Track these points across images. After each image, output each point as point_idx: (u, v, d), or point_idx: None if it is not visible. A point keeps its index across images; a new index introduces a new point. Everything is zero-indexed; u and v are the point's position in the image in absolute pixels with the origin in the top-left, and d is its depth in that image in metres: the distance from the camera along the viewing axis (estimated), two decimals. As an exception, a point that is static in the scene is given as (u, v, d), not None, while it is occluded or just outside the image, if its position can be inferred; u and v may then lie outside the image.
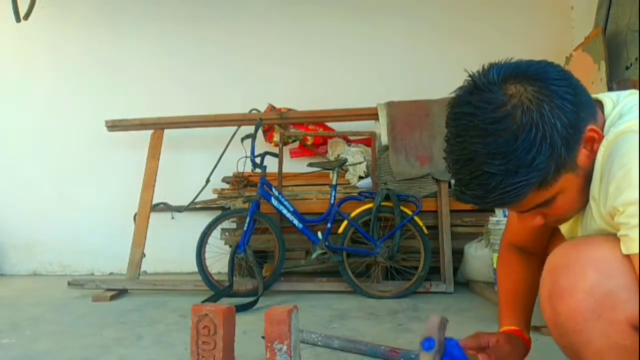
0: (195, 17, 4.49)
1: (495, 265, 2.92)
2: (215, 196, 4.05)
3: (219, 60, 4.44)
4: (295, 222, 3.32)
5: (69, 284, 3.49)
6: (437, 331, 1.20)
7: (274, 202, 3.35)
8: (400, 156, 3.61)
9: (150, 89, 4.41)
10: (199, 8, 4.49)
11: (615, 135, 0.99)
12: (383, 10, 4.37)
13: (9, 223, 4.48)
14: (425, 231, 3.26)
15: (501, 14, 4.26)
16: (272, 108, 4.05)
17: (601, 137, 1.01)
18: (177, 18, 4.50)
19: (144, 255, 3.62)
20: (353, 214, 3.29)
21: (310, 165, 3.50)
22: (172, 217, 4.32)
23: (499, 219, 2.98)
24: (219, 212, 3.69)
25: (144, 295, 3.44)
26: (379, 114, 3.71)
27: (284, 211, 3.34)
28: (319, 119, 3.98)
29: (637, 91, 1.09)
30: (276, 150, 3.76)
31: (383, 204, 3.26)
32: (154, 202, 3.84)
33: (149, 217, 3.69)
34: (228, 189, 3.97)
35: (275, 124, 3.98)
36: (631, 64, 2.93)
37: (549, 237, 1.36)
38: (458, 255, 3.42)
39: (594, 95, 1.07)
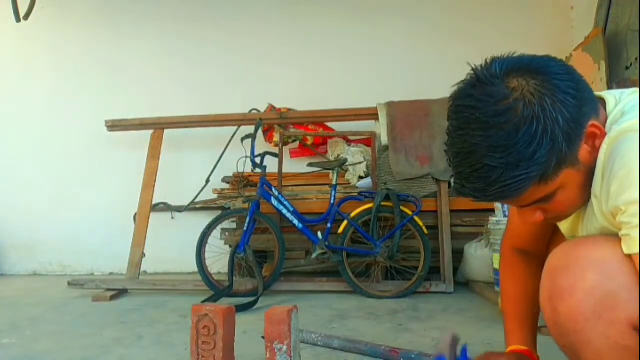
0: (195, 17, 4.49)
1: (495, 265, 2.92)
2: (215, 196, 4.05)
3: (219, 60, 4.44)
4: (295, 222, 3.32)
5: (69, 284, 3.49)
6: (449, 349, 1.19)
7: (274, 202, 3.35)
8: (400, 156, 3.61)
9: (150, 89, 4.41)
10: (199, 8, 4.49)
11: (618, 134, 0.99)
12: (383, 10, 4.37)
13: (9, 223, 4.48)
14: (425, 231, 3.26)
15: (501, 14, 4.26)
16: (272, 108, 4.05)
17: (603, 133, 1.01)
18: (177, 18, 4.51)
19: (144, 255, 3.62)
20: (353, 214, 3.29)
21: (310, 165, 3.50)
22: (172, 217, 4.32)
23: (499, 219, 2.97)
24: (219, 212, 3.69)
25: (144, 295, 3.44)
26: (379, 114, 3.71)
27: (284, 211, 3.34)
28: (319, 119, 3.98)
29: (639, 89, 1.09)
30: (276, 150, 3.76)
31: (383, 204, 3.26)
32: (154, 202, 3.84)
33: (149, 217, 3.69)
34: (228, 189, 3.97)
35: (275, 124, 3.98)
36: (631, 64, 2.93)
37: (550, 238, 1.35)
38: (458, 255, 3.42)
39: (596, 93, 1.07)
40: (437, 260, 3.40)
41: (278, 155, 3.63)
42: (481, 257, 3.18)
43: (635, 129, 0.97)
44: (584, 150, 1.00)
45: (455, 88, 1.03)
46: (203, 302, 2.89)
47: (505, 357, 1.29)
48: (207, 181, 3.98)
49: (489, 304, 2.88)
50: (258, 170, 3.41)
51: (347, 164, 3.60)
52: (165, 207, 4.27)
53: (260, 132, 3.64)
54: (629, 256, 0.97)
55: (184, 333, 2.23)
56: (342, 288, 3.32)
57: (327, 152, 4.03)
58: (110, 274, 4.34)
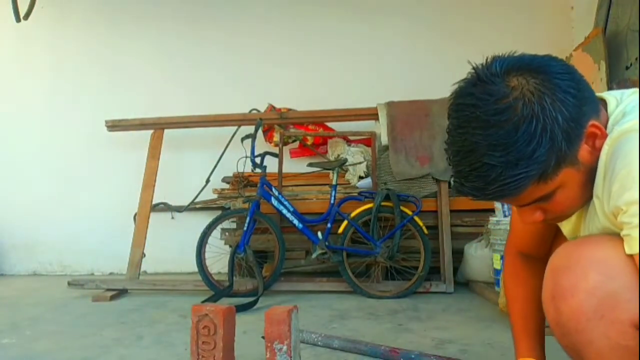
0: (195, 17, 4.49)
1: (495, 265, 2.92)
2: (215, 196, 4.05)
3: (219, 60, 4.45)
4: (295, 222, 3.32)
5: (69, 284, 3.49)
6: None
7: (274, 202, 3.34)
8: (400, 156, 3.61)
9: (150, 89, 4.41)
10: (199, 8, 4.49)
11: (619, 134, 0.99)
12: (383, 10, 4.37)
13: (9, 223, 4.48)
14: (425, 231, 3.26)
15: (501, 14, 4.26)
16: (272, 108, 4.05)
17: (603, 134, 1.01)
18: (177, 18, 4.51)
19: (144, 255, 3.62)
20: (353, 214, 3.29)
21: (310, 165, 3.50)
22: (172, 217, 4.32)
23: (499, 219, 2.97)
24: (219, 212, 3.69)
25: (144, 295, 3.44)
26: (379, 114, 3.71)
27: (284, 211, 3.34)
28: (319, 119, 3.98)
29: (639, 90, 1.08)
30: (276, 150, 3.76)
31: (383, 204, 3.26)
32: (154, 202, 3.84)
33: (149, 217, 3.69)
34: (228, 189, 3.97)
35: (275, 124, 3.98)
36: (631, 64, 2.93)
37: (553, 241, 1.35)
38: (458, 255, 3.42)
39: (597, 94, 1.07)
40: (437, 260, 3.39)
41: (278, 155, 3.63)
42: (481, 257, 3.18)
43: (636, 129, 0.97)
44: (583, 150, 1.00)
45: (456, 86, 1.03)
46: (203, 302, 2.89)
47: None
48: (207, 181, 3.98)
49: (489, 304, 2.88)
50: (258, 170, 3.41)
51: (347, 164, 3.60)
52: (165, 207, 4.27)
53: (260, 132, 3.64)
54: (631, 256, 0.96)
55: (184, 333, 2.23)
56: (342, 288, 3.32)
57: (327, 152, 4.03)
58: (110, 274, 4.34)
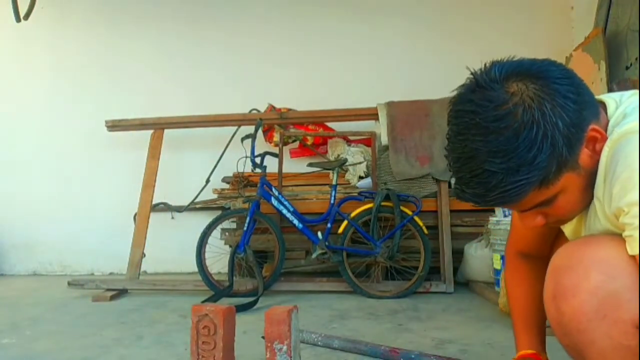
0: (195, 17, 4.49)
1: (495, 265, 2.92)
2: (215, 196, 4.05)
3: (219, 60, 4.44)
4: (295, 222, 3.32)
5: (69, 284, 3.49)
6: None
7: (274, 202, 3.34)
8: (400, 156, 3.61)
9: (150, 89, 4.41)
10: (199, 8, 4.49)
11: (620, 136, 0.99)
12: (383, 10, 4.37)
13: (9, 223, 4.48)
14: (425, 231, 3.26)
15: (501, 14, 4.27)
16: (272, 108, 4.05)
17: (604, 137, 1.00)
18: (177, 18, 4.51)
19: (144, 255, 3.62)
20: (353, 214, 3.29)
21: (310, 165, 3.50)
22: (172, 217, 4.32)
23: (499, 219, 2.98)
24: (219, 212, 3.69)
25: (144, 295, 3.44)
26: (379, 114, 3.71)
27: (284, 211, 3.34)
28: (319, 119, 3.98)
29: (639, 90, 1.09)
30: (276, 150, 3.76)
31: (383, 204, 3.26)
32: (154, 202, 3.83)
33: (149, 217, 3.69)
34: (228, 189, 3.97)
35: (275, 124, 3.98)
36: (631, 64, 2.93)
37: (554, 240, 1.35)
38: (458, 255, 3.42)
39: (597, 96, 1.07)
40: (437, 260, 3.39)
41: (278, 155, 3.63)
42: (481, 257, 3.18)
43: (636, 130, 0.97)
44: (584, 154, 1.00)
45: (455, 93, 1.03)
46: (203, 302, 2.89)
47: None
48: (207, 181, 3.98)
49: (489, 304, 2.88)
50: (258, 170, 3.41)
51: (347, 164, 3.60)
52: (165, 207, 4.27)
53: (260, 132, 3.64)
54: (633, 257, 0.97)
55: (184, 333, 2.23)
56: (342, 288, 3.32)
57: (327, 152, 4.03)
58: (110, 274, 4.34)
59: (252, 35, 4.43)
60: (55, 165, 4.48)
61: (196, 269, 3.36)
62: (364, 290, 3.23)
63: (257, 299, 3.00)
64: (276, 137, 3.99)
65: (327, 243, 3.27)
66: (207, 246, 3.37)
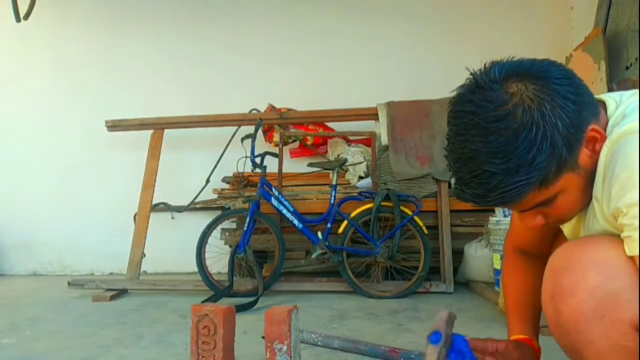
0: (195, 17, 4.49)
1: (495, 265, 2.92)
2: (215, 196, 4.05)
3: (219, 60, 4.44)
4: (295, 222, 3.32)
5: (69, 284, 3.49)
6: (444, 325, 1.20)
7: (274, 202, 3.34)
8: (400, 156, 3.61)
9: (150, 89, 4.41)
10: (199, 8, 4.49)
11: (619, 136, 0.99)
12: (383, 10, 4.37)
13: (9, 223, 4.48)
14: (425, 231, 3.26)
15: (501, 14, 4.27)
16: (272, 108, 4.05)
17: (603, 137, 1.00)
18: (177, 18, 4.51)
19: (144, 255, 3.62)
20: (353, 214, 3.29)
21: (310, 165, 3.50)
22: (172, 217, 4.32)
23: (499, 219, 2.98)
24: (219, 212, 3.69)
25: (144, 295, 3.44)
26: (379, 114, 3.71)
27: (284, 211, 3.34)
28: (319, 119, 3.98)
29: (639, 90, 1.09)
30: (276, 150, 3.76)
31: (383, 204, 3.26)
32: (154, 202, 3.83)
33: (149, 217, 3.69)
34: (228, 189, 3.97)
35: (275, 124, 3.98)
36: (631, 64, 2.93)
37: (553, 239, 1.35)
38: (458, 255, 3.42)
39: (596, 96, 1.07)
40: (437, 260, 3.39)
41: (278, 155, 3.63)
42: (481, 257, 3.18)
43: (635, 130, 0.97)
44: (584, 155, 1.00)
45: (455, 93, 1.03)
46: (203, 302, 2.89)
47: (504, 343, 1.29)
48: (207, 181, 3.98)
49: (489, 304, 2.88)
50: (258, 170, 3.41)
51: (347, 164, 3.60)
52: (165, 207, 4.27)
53: (260, 132, 3.64)
54: (632, 257, 0.96)
55: (184, 333, 2.23)
56: (342, 288, 3.32)
57: (327, 152, 4.03)
58: (110, 274, 4.34)
59: (252, 35, 4.43)
60: (55, 165, 4.48)
61: (196, 269, 3.36)
62: (364, 290, 3.23)
63: (257, 299, 3.00)
64: (276, 137, 3.99)
65: (327, 243, 3.27)
66: (207, 246, 3.37)
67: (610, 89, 2.80)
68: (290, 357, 1.50)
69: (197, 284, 3.41)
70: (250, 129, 3.59)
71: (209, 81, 4.40)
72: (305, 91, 4.20)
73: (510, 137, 0.94)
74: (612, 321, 0.96)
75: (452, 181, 3.35)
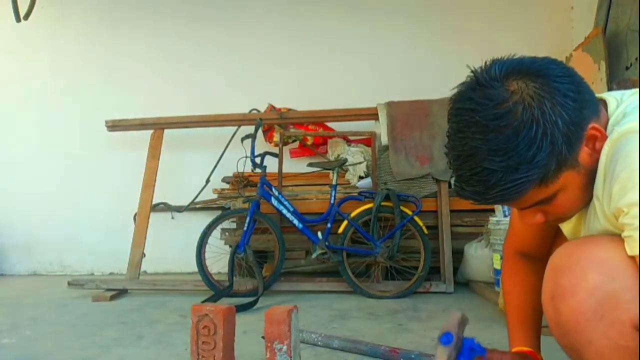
0: (195, 17, 4.49)
1: (495, 266, 2.92)
2: (215, 196, 4.05)
3: (219, 60, 4.45)
4: (295, 222, 3.32)
5: (69, 284, 3.49)
6: (457, 327, 1.18)
7: (274, 202, 3.34)
8: (400, 156, 3.61)
9: (150, 89, 4.41)
10: (199, 8, 4.49)
11: (620, 135, 0.98)
12: (383, 10, 4.37)
13: (9, 223, 4.48)
14: (425, 231, 3.26)
15: (501, 14, 4.27)
16: (272, 108, 4.05)
17: (603, 136, 1.00)
18: (177, 18, 4.51)
19: (144, 255, 3.62)
20: (353, 214, 3.28)
21: (310, 165, 3.50)
22: (172, 217, 4.32)
23: (499, 219, 2.97)
24: (219, 212, 3.69)
25: (144, 295, 3.44)
26: (379, 114, 3.71)
27: (284, 211, 3.34)
28: (319, 119, 3.98)
29: (639, 90, 1.08)
30: (276, 150, 3.76)
31: (383, 204, 3.26)
32: (154, 202, 3.83)
33: (149, 217, 3.69)
34: (228, 189, 3.97)
35: (275, 124, 3.98)
36: (631, 64, 2.93)
37: (553, 240, 1.35)
38: (458, 255, 3.42)
39: (597, 95, 1.07)
40: (437, 260, 3.39)
41: (278, 155, 3.63)
42: (481, 257, 3.18)
43: (636, 130, 0.97)
44: (584, 153, 1.00)
45: (455, 91, 1.03)
46: (203, 302, 2.89)
47: (510, 356, 1.28)
48: (207, 181, 3.98)
49: (489, 304, 2.88)
50: (258, 170, 3.41)
51: (347, 164, 3.60)
52: (165, 207, 4.27)
53: (260, 132, 3.64)
54: (632, 257, 0.96)
55: (184, 333, 2.23)
56: (342, 288, 3.32)
57: (327, 152, 4.03)
58: (110, 274, 4.34)
59: (252, 35, 4.43)
60: (55, 165, 4.48)
61: (196, 269, 3.36)
62: (364, 290, 3.23)
63: (257, 299, 3.00)
64: (276, 137, 3.99)
65: (327, 243, 3.27)
66: (207, 246, 3.37)
67: (610, 89, 2.80)
68: (290, 357, 1.50)
69: (197, 284, 3.41)
70: (250, 129, 3.59)
71: (209, 81, 4.40)
72: (305, 91, 4.21)
73: (511, 134, 0.94)
74: (612, 321, 0.96)
75: (452, 181, 3.35)
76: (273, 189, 3.39)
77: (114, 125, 3.95)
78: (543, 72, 0.98)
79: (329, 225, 3.31)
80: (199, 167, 4.09)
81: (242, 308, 2.81)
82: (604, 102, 1.07)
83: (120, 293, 3.45)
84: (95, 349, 2.23)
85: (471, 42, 4.07)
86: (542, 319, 1.29)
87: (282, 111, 3.95)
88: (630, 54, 2.95)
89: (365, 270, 3.39)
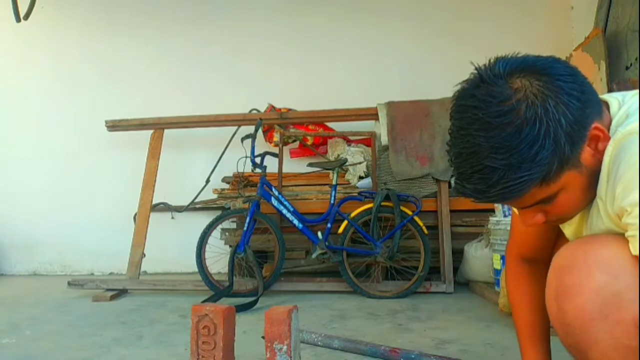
0: (195, 17, 4.49)
1: (495, 266, 2.92)
2: (215, 196, 4.05)
3: (219, 60, 4.45)
4: (295, 222, 3.32)
5: (69, 284, 3.49)
6: None
7: (274, 202, 3.34)
8: (400, 156, 3.61)
9: (150, 89, 4.41)
10: (199, 8, 4.49)
11: (623, 135, 0.98)
12: (383, 10, 4.37)
13: (9, 223, 4.48)
14: (425, 231, 3.26)
15: (501, 14, 4.27)
16: (272, 108, 4.05)
17: (606, 136, 1.00)
18: (177, 18, 4.51)
19: (144, 255, 3.62)
20: (353, 214, 3.29)
21: (310, 165, 3.50)
22: (172, 217, 4.32)
23: (499, 219, 2.98)
24: (219, 212, 3.69)
25: (144, 295, 3.44)
26: (379, 114, 3.71)
27: (284, 211, 3.34)
28: (319, 119, 3.98)
29: (639, 91, 1.08)
30: (276, 150, 3.76)
31: (383, 204, 3.26)
32: (154, 202, 3.83)
33: (149, 217, 3.69)
34: (228, 189, 3.97)
35: (275, 124, 3.98)
36: (631, 64, 2.93)
37: (555, 242, 1.34)
38: (458, 255, 3.42)
39: (599, 96, 1.06)
40: (437, 260, 3.40)
41: (278, 155, 3.63)
42: (481, 257, 3.18)
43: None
44: (586, 153, 0.99)
45: (458, 87, 1.02)
46: (203, 302, 2.89)
47: None
48: (207, 181, 3.98)
49: (489, 304, 2.88)
50: (258, 170, 3.41)
51: (347, 164, 3.59)
52: (165, 207, 4.27)
53: (260, 132, 3.64)
54: (636, 257, 0.96)
55: (184, 333, 2.23)
56: (342, 288, 3.32)
57: (327, 152, 4.03)
58: (110, 274, 4.34)
59: (252, 35, 4.43)
60: (55, 165, 4.48)
61: (196, 269, 3.36)
62: (364, 290, 3.23)
63: (257, 299, 3.00)
64: (276, 137, 3.99)
65: (327, 243, 3.27)
66: (207, 246, 3.37)
67: (610, 89, 2.80)
68: (290, 357, 1.50)
69: (197, 284, 3.41)
70: (250, 129, 3.58)
71: (209, 81, 4.40)
72: (305, 91, 4.21)
73: (513, 132, 0.93)
74: (617, 321, 0.96)
75: (453, 181, 3.35)
76: (273, 189, 3.39)
77: (114, 125, 3.95)
78: (547, 70, 0.98)
79: (329, 225, 3.31)
80: (199, 167, 4.09)
81: (242, 308, 2.81)
82: (605, 103, 1.07)
83: (120, 293, 3.44)
84: (95, 349, 2.23)
85: (471, 42, 4.07)
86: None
87: (282, 111, 3.95)
88: (630, 54, 2.95)
89: (365, 270, 3.39)
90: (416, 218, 3.23)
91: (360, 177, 3.75)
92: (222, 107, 3.93)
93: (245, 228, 3.27)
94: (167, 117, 3.93)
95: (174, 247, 4.15)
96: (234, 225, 3.80)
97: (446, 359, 1.89)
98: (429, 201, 3.48)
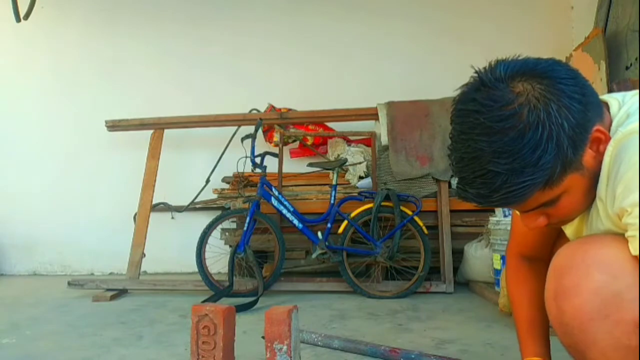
0: (195, 17, 4.49)
1: (495, 265, 2.92)
2: (215, 196, 4.05)
3: (219, 60, 4.45)
4: (295, 222, 3.32)
5: (69, 284, 3.49)
6: None
7: (274, 202, 3.34)
8: (400, 156, 3.61)
9: (150, 89, 4.41)
10: (199, 8, 4.49)
11: (623, 136, 0.98)
12: (383, 10, 4.37)
13: (9, 223, 4.48)
14: (425, 231, 3.26)
15: (501, 14, 4.27)
16: (272, 108, 4.05)
17: (607, 138, 1.00)
18: (177, 18, 4.51)
19: (144, 255, 3.61)
20: (353, 214, 3.29)
21: (310, 165, 3.50)
22: (172, 217, 4.32)
23: (499, 219, 2.98)
24: (219, 212, 3.69)
25: (144, 295, 3.44)
26: (379, 114, 3.71)
27: (284, 211, 3.34)
28: (319, 119, 3.98)
29: (639, 92, 1.08)
30: (276, 150, 3.76)
31: (383, 204, 3.26)
32: (154, 202, 3.83)
33: (149, 217, 3.69)
34: (228, 189, 3.97)
35: (275, 124, 3.98)
36: (631, 64, 2.93)
37: (555, 241, 1.34)
38: (458, 255, 3.42)
39: (599, 97, 1.06)
40: (437, 260, 3.40)
41: (278, 155, 3.63)
42: (481, 257, 3.18)
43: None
44: (588, 155, 0.99)
45: (459, 91, 1.01)
46: (203, 302, 2.89)
47: None
48: (207, 181, 3.98)
49: (489, 304, 2.88)
50: (258, 170, 3.41)
51: (347, 164, 3.59)
52: (165, 207, 4.27)
53: (260, 132, 3.64)
54: (636, 257, 0.96)
55: (184, 333, 2.23)
56: (342, 288, 3.32)
57: (327, 152, 4.03)
58: (110, 274, 4.34)
59: (252, 35, 4.43)
60: (55, 165, 4.48)
61: (196, 269, 3.36)
62: (364, 290, 3.23)
63: (257, 299, 3.00)
64: (276, 137, 3.99)
65: (327, 243, 3.27)
66: (207, 246, 3.37)
67: (610, 89, 2.80)
68: (290, 357, 1.50)
69: (197, 284, 3.41)
70: (250, 129, 3.58)
71: (209, 81, 4.40)
72: (305, 91, 4.21)
73: (516, 137, 0.93)
74: (616, 321, 0.96)
75: (452, 181, 3.35)
76: (273, 189, 3.39)
77: (114, 125, 3.95)
78: (548, 73, 0.97)
79: (329, 225, 3.31)
80: (199, 167, 4.09)
81: (242, 308, 2.81)
82: (605, 104, 1.06)
83: (120, 293, 3.44)
84: (95, 349, 2.23)
85: (471, 42, 4.07)
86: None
87: (282, 111, 3.95)
88: (630, 54, 2.95)
89: (365, 270, 3.39)
90: (416, 218, 3.23)
91: (360, 177, 3.75)
92: (222, 107, 3.93)
93: (245, 228, 3.27)
94: (167, 117, 3.93)
95: (174, 247, 4.15)
96: (234, 225, 3.80)
97: (446, 359, 1.89)
98: (429, 201, 3.48)
